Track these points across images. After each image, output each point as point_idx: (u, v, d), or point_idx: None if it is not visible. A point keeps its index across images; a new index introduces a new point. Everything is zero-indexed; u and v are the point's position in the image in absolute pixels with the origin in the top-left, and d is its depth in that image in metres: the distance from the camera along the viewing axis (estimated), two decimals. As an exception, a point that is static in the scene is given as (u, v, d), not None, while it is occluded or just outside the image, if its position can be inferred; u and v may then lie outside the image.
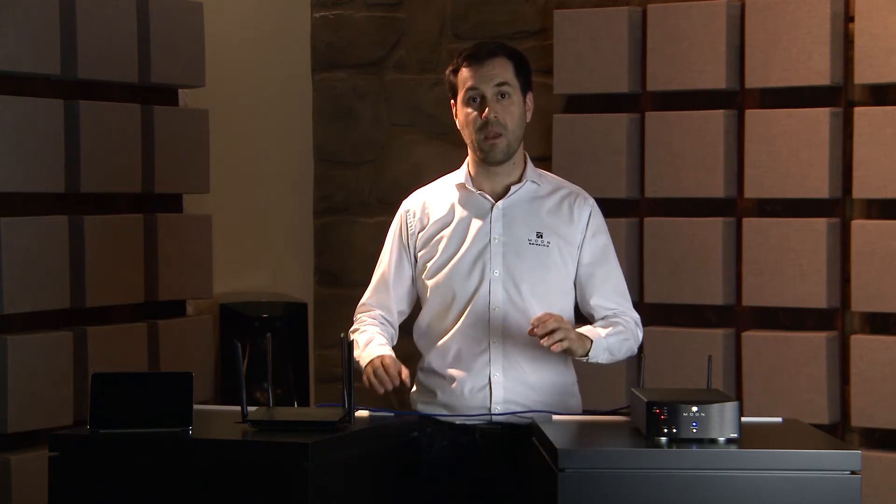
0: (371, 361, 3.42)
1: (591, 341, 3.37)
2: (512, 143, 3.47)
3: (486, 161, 3.48)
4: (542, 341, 3.27)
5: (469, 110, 3.46)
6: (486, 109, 3.42)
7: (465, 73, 3.47)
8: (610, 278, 3.53)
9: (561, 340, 3.27)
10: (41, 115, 4.43)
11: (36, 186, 4.44)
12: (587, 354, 3.37)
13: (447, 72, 3.53)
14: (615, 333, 3.43)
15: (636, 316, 3.54)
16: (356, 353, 3.46)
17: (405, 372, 3.39)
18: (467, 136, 3.49)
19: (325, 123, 5.82)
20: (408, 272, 3.58)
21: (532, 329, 3.29)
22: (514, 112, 3.46)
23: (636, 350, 3.52)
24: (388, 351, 3.46)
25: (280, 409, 3.43)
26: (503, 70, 3.46)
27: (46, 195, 4.51)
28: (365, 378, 3.37)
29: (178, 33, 4.91)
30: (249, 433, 3.15)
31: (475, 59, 3.46)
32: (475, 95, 3.45)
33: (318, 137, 5.84)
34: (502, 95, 3.44)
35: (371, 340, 3.50)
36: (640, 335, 3.54)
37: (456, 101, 3.51)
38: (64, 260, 4.50)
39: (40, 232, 4.41)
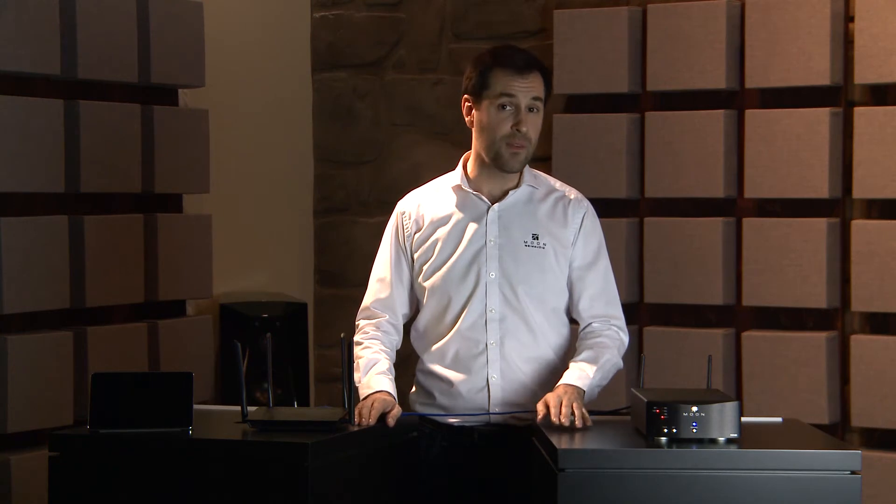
0: (364, 400, 3.39)
1: (585, 391, 3.37)
2: (530, 154, 3.47)
3: (503, 169, 3.47)
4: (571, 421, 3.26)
5: (500, 115, 3.43)
6: (520, 122, 3.41)
7: (502, 77, 3.42)
8: (598, 283, 3.53)
9: (580, 411, 3.26)
10: (41, 115, 4.43)
11: (36, 186, 4.44)
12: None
13: (474, 67, 3.46)
14: (600, 367, 3.43)
15: (621, 323, 3.55)
16: (356, 376, 3.45)
17: (393, 412, 3.36)
18: (487, 138, 3.45)
19: (325, 123, 5.82)
20: (407, 274, 3.58)
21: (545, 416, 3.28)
22: (538, 126, 3.46)
23: (622, 364, 3.53)
24: (386, 383, 3.43)
25: (280, 409, 3.43)
26: (539, 85, 3.45)
27: (46, 195, 4.51)
28: (357, 408, 3.35)
29: (178, 33, 4.91)
30: (249, 433, 3.16)
31: (515, 66, 3.42)
32: (510, 104, 3.42)
33: (318, 137, 5.84)
34: (532, 109, 3.44)
35: (372, 365, 3.47)
36: (626, 340, 3.55)
37: (478, 98, 3.45)
38: (64, 260, 4.50)
39: (40, 232, 4.41)
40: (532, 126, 3.43)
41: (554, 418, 3.22)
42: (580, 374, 3.39)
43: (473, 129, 3.49)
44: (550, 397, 3.28)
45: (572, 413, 3.22)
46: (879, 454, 4.68)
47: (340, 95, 5.79)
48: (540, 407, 3.28)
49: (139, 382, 3.26)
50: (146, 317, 4.86)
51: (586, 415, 3.25)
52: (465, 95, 3.50)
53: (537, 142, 3.48)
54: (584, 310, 3.53)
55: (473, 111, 3.48)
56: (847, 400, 4.80)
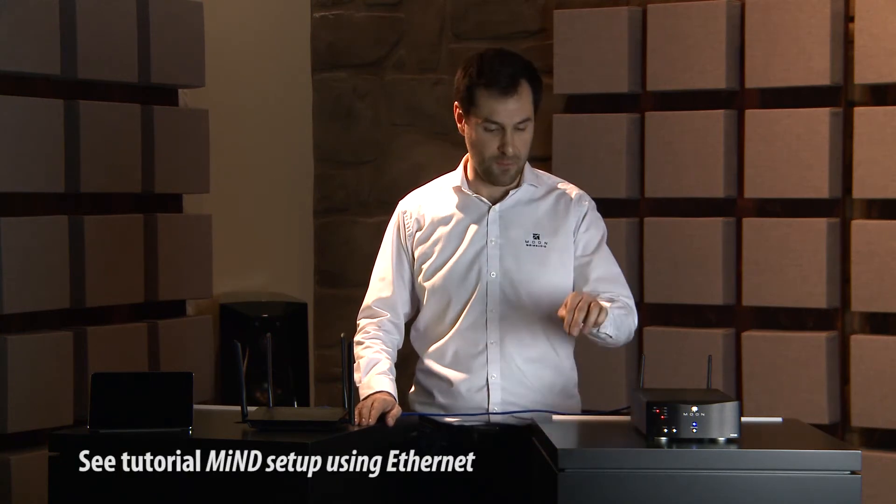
0: (365, 400, 3.39)
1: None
2: (521, 167, 3.47)
3: (495, 184, 3.48)
4: (585, 328, 3.21)
5: (484, 136, 3.41)
6: (505, 143, 3.38)
7: (486, 100, 3.38)
8: (602, 266, 3.50)
9: (598, 314, 3.19)
10: (41, 115, 4.43)
11: (36, 186, 4.44)
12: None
13: (461, 78, 3.43)
14: (619, 307, 3.38)
15: (631, 301, 3.49)
16: (357, 376, 3.45)
17: (393, 412, 3.36)
18: (476, 156, 3.45)
19: (325, 123, 5.82)
20: (408, 273, 3.58)
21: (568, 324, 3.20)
22: (528, 140, 3.43)
23: (634, 331, 3.46)
24: (386, 383, 3.43)
25: (280, 409, 3.43)
26: (525, 103, 3.39)
27: (46, 195, 4.51)
28: (357, 408, 3.35)
29: (178, 33, 4.91)
30: (249, 433, 3.15)
31: (497, 86, 3.37)
32: (494, 127, 3.39)
33: (318, 137, 5.84)
34: (520, 128, 3.41)
35: (372, 365, 3.47)
36: (636, 319, 3.47)
37: (466, 113, 3.43)
38: (64, 260, 4.50)
39: (40, 232, 4.41)
40: (520, 144, 3.41)
41: (565, 326, 3.17)
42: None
43: (465, 139, 3.49)
44: (569, 297, 3.21)
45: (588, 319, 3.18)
46: (879, 454, 4.68)
47: (340, 95, 5.79)
48: (560, 310, 3.22)
49: (139, 382, 3.26)
50: (146, 317, 4.86)
51: (605, 308, 3.19)
52: (456, 102, 3.49)
53: (528, 151, 3.45)
54: (591, 290, 3.45)
55: (463, 121, 3.47)
56: (847, 400, 4.80)
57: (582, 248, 3.51)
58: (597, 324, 3.20)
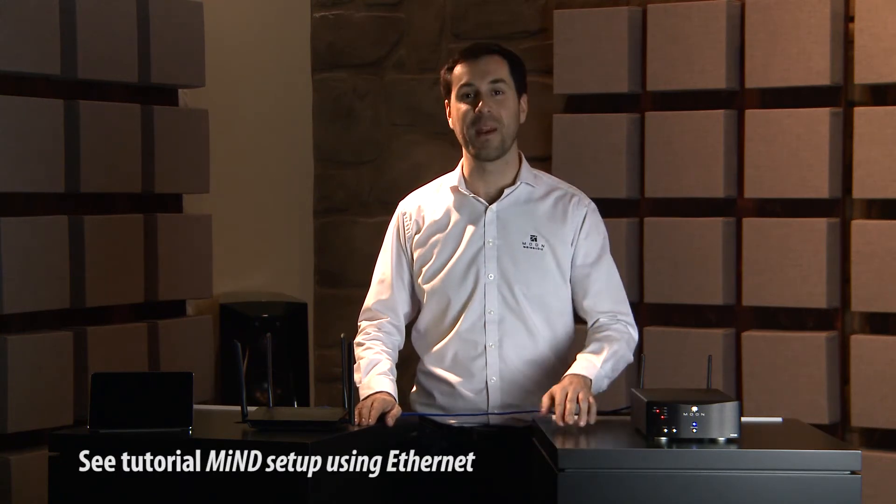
0: (364, 400, 3.39)
1: (592, 380, 3.34)
2: (506, 138, 3.45)
3: (480, 157, 3.46)
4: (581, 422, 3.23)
5: (462, 105, 3.44)
6: (480, 103, 3.41)
7: (459, 69, 3.45)
8: (602, 279, 3.51)
9: (587, 403, 3.23)
10: (41, 115, 4.43)
11: (36, 186, 4.44)
12: None
13: (442, 71, 3.51)
14: (610, 357, 3.41)
15: (629, 318, 3.52)
16: (357, 377, 3.45)
17: (393, 412, 3.36)
18: (459, 132, 3.47)
19: (325, 123, 5.82)
20: (408, 274, 3.58)
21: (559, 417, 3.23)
22: (508, 107, 3.44)
23: (632, 358, 3.51)
24: (386, 384, 3.43)
25: (280, 409, 3.43)
26: (498, 67, 3.45)
27: (46, 195, 4.51)
28: (357, 408, 3.34)
29: (178, 33, 4.91)
30: (249, 433, 3.16)
31: (470, 55, 3.46)
32: (469, 91, 3.43)
33: (318, 137, 5.84)
34: (496, 92, 3.43)
35: (373, 366, 3.47)
36: (636, 335, 3.52)
37: (450, 100, 3.49)
38: (64, 260, 4.50)
39: (40, 232, 4.42)
40: (497, 106, 3.42)
41: (558, 418, 3.21)
42: (587, 364, 3.36)
43: (453, 128, 3.50)
44: (556, 389, 3.25)
45: (577, 409, 3.20)
46: (879, 454, 4.68)
47: (340, 95, 5.79)
48: (545, 400, 3.25)
49: (139, 382, 3.26)
50: (146, 317, 4.86)
51: (593, 403, 3.23)
52: (445, 101, 3.52)
53: (514, 124, 3.46)
54: (590, 307, 3.50)
55: (449, 110, 3.50)
56: (847, 400, 4.80)
57: (582, 257, 3.50)
58: (588, 410, 3.21)
